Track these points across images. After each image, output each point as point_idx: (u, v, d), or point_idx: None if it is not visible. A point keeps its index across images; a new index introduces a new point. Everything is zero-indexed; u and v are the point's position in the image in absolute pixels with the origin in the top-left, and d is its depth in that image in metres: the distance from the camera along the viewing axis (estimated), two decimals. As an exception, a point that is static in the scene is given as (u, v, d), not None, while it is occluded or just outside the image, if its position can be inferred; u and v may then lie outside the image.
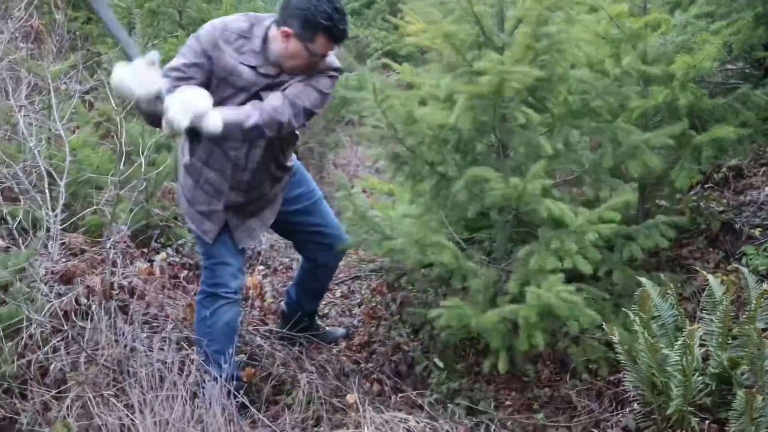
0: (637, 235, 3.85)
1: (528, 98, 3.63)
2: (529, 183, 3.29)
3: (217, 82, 3.24)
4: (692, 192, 5.19)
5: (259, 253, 5.24)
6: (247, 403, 3.37)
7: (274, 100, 3.22)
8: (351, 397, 3.49)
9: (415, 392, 3.67)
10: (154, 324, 3.94)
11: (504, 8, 3.51)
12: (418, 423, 3.28)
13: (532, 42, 3.37)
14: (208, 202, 3.47)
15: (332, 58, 3.36)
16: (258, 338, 4.02)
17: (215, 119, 3.05)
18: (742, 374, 2.92)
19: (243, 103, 3.24)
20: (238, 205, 3.51)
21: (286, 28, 3.15)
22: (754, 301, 2.98)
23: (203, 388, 3.34)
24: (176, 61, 3.20)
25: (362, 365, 3.96)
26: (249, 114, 3.17)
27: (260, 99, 3.25)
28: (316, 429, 3.43)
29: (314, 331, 4.13)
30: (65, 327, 3.59)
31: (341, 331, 4.27)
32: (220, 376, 3.27)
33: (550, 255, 3.37)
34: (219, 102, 3.20)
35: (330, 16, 3.10)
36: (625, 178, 4.71)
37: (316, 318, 4.23)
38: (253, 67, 3.23)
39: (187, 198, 3.53)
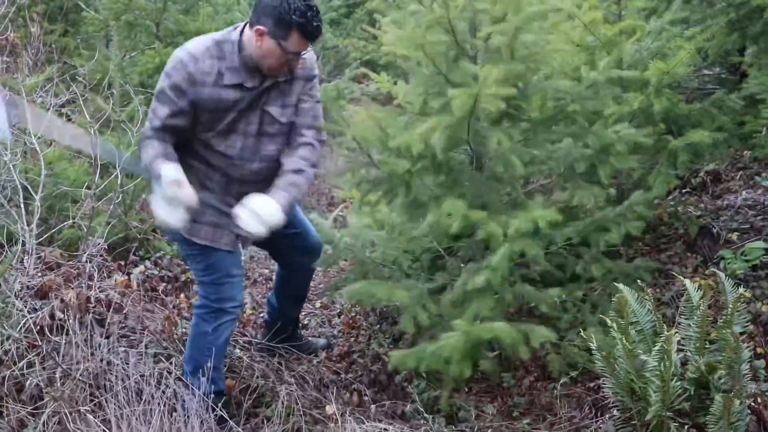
0: (609, 225, 3.84)
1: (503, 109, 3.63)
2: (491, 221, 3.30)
3: (206, 113, 3.22)
4: (670, 197, 5.21)
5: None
6: (226, 417, 3.34)
7: (302, 151, 3.34)
8: (330, 408, 3.47)
9: (394, 402, 3.66)
10: (132, 337, 3.90)
11: (477, 17, 3.49)
12: (399, 433, 3.28)
13: (507, 53, 3.37)
14: (219, 212, 3.29)
15: (310, 66, 3.37)
16: (237, 350, 3.99)
17: (279, 214, 3.18)
18: (720, 378, 2.93)
19: (231, 122, 3.25)
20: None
21: (259, 27, 3.11)
22: (731, 306, 2.99)
23: (183, 401, 3.31)
24: (159, 113, 3.18)
25: (342, 376, 3.94)
26: (299, 184, 3.29)
27: (245, 115, 3.26)
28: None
29: (296, 342, 4.10)
30: (40, 342, 3.55)
31: (322, 341, 4.25)
32: (209, 390, 3.27)
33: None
34: (209, 126, 3.23)
35: (303, 13, 3.07)
36: (603, 185, 4.73)
37: (299, 328, 4.20)
38: (238, 85, 3.21)
39: (191, 217, 3.33)
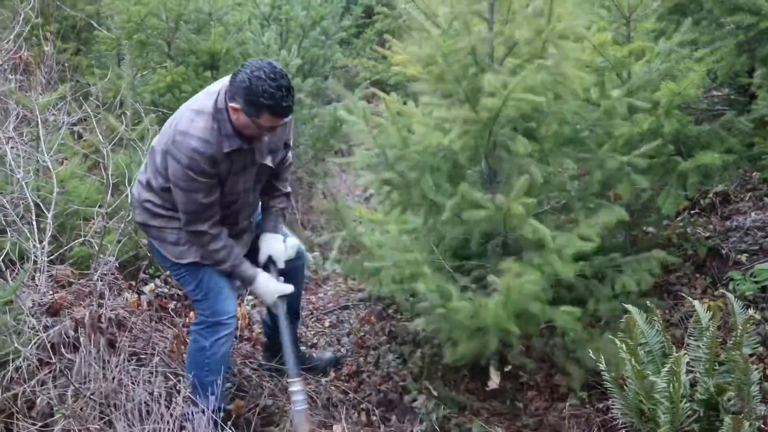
0: (625, 268, 3.86)
1: (519, 128, 3.66)
2: (512, 202, 3.31)
3: (229, 178, 3.41)
4: (679, 218, 5.21)
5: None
6: (234, 435, 3.35)
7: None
8: (338, 428, 3.47)
9: (403, 422, 3.66)
10: (142, 356, 3.91)
11: (493, 38, 3.53)
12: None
13: (532, 71, 3.41)
14: None
15: None
16: (246, 369, 4.00)
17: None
18: (729, 400, 2.92)
19: (234, 182, 3.45)
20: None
21: (234, 104, 3.23)
22: (740, 327, 2.98)
23: (190, 420, 3.32)
24: (200, 200, 3.34)
25: (351, 395, 3.94)
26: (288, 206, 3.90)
27: (244, 172, 3.47)
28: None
29: (304, 360, 4.10)
30: (53, 360, 3.57)
31: (328, 354, 4.24)
32: (209, 407, 3.27)
33: (530, 267, 3.40)
34: (235, 180, 3.42)
35: (272, 95, 3.16)
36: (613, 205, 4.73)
37: (299, 345, 4.20)
38: (237, 149, 3.33)
39: (175, 242, 3.55)
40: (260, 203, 3.83)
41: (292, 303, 4.02)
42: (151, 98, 6.80)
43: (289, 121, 3.53)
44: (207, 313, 3.58)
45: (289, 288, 3.64)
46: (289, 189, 3.86)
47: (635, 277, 3.79)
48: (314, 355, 4.27)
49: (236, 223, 3.63)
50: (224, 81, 3.35)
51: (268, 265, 3.72)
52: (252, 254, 3.75)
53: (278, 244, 3.73)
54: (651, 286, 4.25)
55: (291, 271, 3.86)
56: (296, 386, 3.42)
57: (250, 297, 5.09)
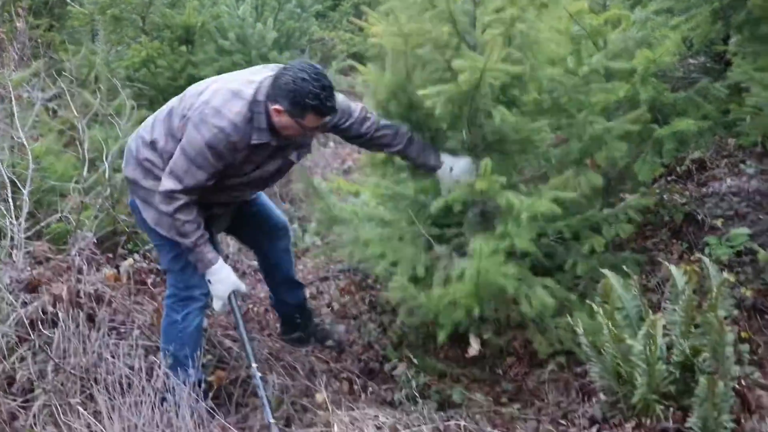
0: (602, 224, 3.89)
1: (500, 96, 3.67)
2: (484, 180, 3.35)
3: (232, 168, 3.37)
4: (656, 185, 5.25)
5: (227, 256, 5.22)
6: (214, 408, 3.36)
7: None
8: (320, 397, 3.49)
9: (385, 390, 3.69)
10: (122, 330, 3.91)
11: (475, 8, 3.53)
12: (388, 419, 3.29)
13: (505, 41, 3.42)
14: None
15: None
16: (227, 341, 4.01)
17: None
18: (704, 361, 2.96)
19: (252, 171, 3.44)
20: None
21: (277, 106, 3.23)
22: (716, 290, 3.02)
23: (171, 393, 3.32)
24: (198, 176, 3.28)
25: (332, 365, 3.96)
26: None
27: (266, 162, 3.45)
28: (286, 429, 3.42)
29: (313, 332, 4.15)
30: (32, 336, 3.57)
31: (341, 328, 4.25)
32: (188, 381, 3.27)
33: (496, 239, 3.45)
34: (230, 175, 3.39)
35: (317, 96, 3.18)
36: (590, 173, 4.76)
37: (311, 316, 4.23)
38: (265, 144, 3.33)
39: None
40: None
41: (287, 273, 4.05)
42: (126, 73, 6.76)
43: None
44: (180, 286, 3.56)
45: (243, 288, 3.54)
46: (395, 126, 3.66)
47: (614, 229, 3.82)
48: (327, 327, 4.28)
49: (229, 203, 3.64)
50: (266, 71, 3.37)
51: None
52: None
53: (457, 164, 3.62)
54: (629, 251, 4.32)
55: (276, 242, 3.90)
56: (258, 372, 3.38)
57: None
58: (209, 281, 3.47)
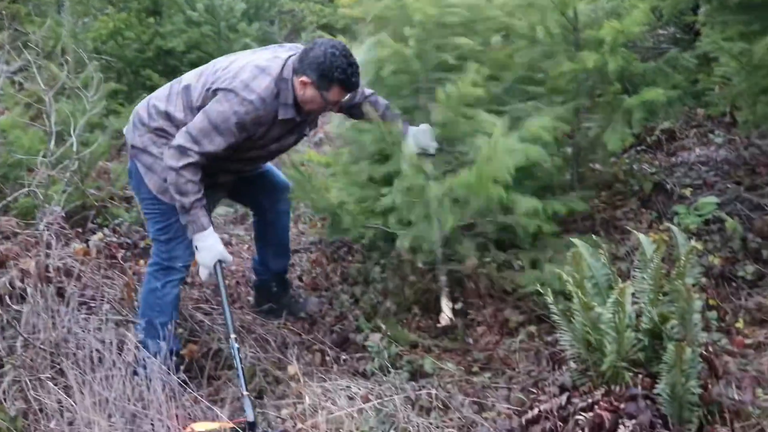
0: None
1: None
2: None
3: (251, 140, 3.48)
4: (625, 155, 5.28)
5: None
6: (187, 381, 3.35)
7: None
8: (292, 369, 3.50)
9: (357, 361, 3.70)
10: (92, 305, 3.89)
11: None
12: (360, 390, 3.31)
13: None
14: None
15: None
16: (198, 314, 4.00)
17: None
18: (672, 328, 2.99)
19: (270, 144, 3.57)
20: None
21: (304, 78, 3.38)
22: (683, 258, 3.04)
23: (143, 365, 3.32)
24: (216, 142, 3.36)
25: (304, 337, 3.97)
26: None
27: (285, 136, 3.59)
28: (258, 401, 3.43)
29: (288, 304, 4.15)
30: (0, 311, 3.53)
31: (314, 300, 4.26)
32: (161, 350, 3.28)
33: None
34: (248, 147, 3.50)
35: (345, 71, 3.35)
36: (561, 143, 4.79)
37: (290, 289, 4.26)
38: (290, 119, 3.48)
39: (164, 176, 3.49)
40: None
41: (282, 236, 4.10)
42: (93, 45, 6.68)
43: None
44: (164, 256, 3.62)
45: (230, 258, 3.59)
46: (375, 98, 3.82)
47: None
48: (301, 300, 4.27)
49: (237, 172, 3.72)
50: (290, 49, 3.54)
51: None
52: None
53: (423, 135, 3.74)
54: (598, 220, 4.35)
55: (277, 203, 3.99)
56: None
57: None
58: (196, 248, 3.48)
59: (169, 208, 3.53)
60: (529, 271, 3.89)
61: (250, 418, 3.12)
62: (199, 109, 3.42)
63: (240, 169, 3.72)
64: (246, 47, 6.31)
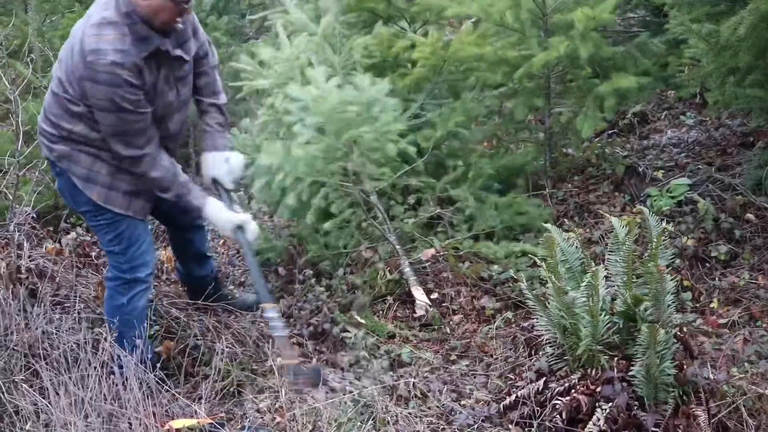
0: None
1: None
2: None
3: (156, 87, 3.25)
4: (597, 139, 5.30)
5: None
6: (164, 378, 3.32)
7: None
8: (270, 362, 3.48)
9: (334, 352, 3.70)
10: (66, 305, 3.85)
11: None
12: (339, 382, 3.30)
13: None
14: (135, 178, 3.37)
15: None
16: (174, 310, 3.97)
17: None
18: (646, 310, 3.00)
19: (157, 83, 3.26)
20: None
21: None
22: (655, 240, 3.06)
23: (119, 364, 3.29)
24: (133, 120, 3.17)
25: (281, 330, 3.95)
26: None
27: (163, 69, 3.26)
28: (238, 398, 3.41)
29: (226, 300, 4.09)
30: (-29, 314, 3.49)
31: (252, 297, 4.20)
32: (137, 358, 3.24)
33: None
34: (162, 89, 3.26)
35: None
36: (533, 129, 4.81)
37: (224, 285, 4.20)
38: (156, 52, 3.17)
39: (105, 184, 3.36)
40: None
41: (199, 248, 3.98)
42: (60, 44, 6.58)
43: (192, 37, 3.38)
44: (124, 268, 3.44)
45: (241, 217, 3.43)
46: (222, 100, 3.62)
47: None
48: (241, 296, 4.24)
49: (170, 141, 3.48)
50: None
51: (217, 189, 3.56)
52: None
53: (220, 164, 3.54)
54: (572, 205, 4.36)
55: (189, 217, 3.76)
56: (271, 312, 3.37)
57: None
58: (212, 223, 3.52)
59: (115, 215, 3.40)
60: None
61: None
62: (79, 100, 3.19)
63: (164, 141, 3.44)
64: (216, 41, 6.26)
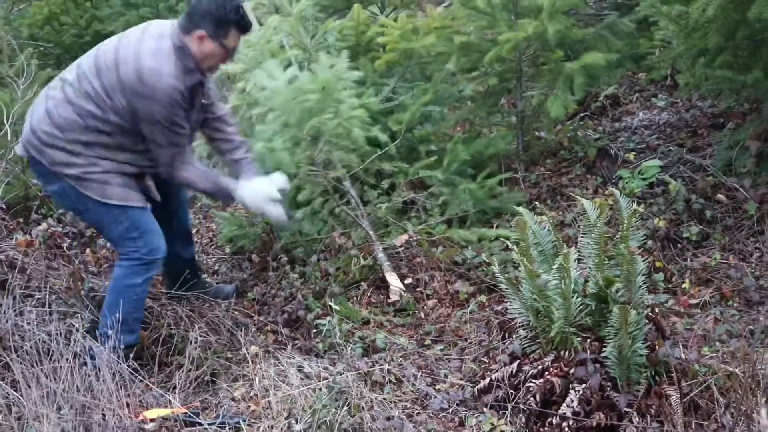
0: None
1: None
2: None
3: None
4: (570, 122, 5.31)
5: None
6: (138, 368, 3.31)
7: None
8: (254, 348, 3.48)
9: (309, 339, 3.69)
10: (37, 296, 3.81)
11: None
12: (313, 368, 3.30)
13: None
14: (124, 171, 3.48)
15: None
16: (147, 300, 3.93)
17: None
18: (617, 291, 3.01)
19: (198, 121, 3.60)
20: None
21: (200, 32, 3.33)
22: (626, 221, 3.07)
23: (91, 355, 3.26)
24: (185, 131, 3.44)
25: (255, 318, 3.94)
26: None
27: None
28: (213, 386, 3.40)
29: (203, 288, 4.07)
30: (-60, 307, 3.45)
31: (230, 287, 4.21)
32: (129, 342, 3.27)
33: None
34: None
35: (237, 10, 3.33)
36: (505, 113, 4.81)
37: (201, 273, 4.17)
38: (199, 84, 3.42)
39: (100, 181, 3.42)
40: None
41: (185, 224, 4.04)
42: (29, 32, 6.54)
43: None
44: (144, 251, 3.52)
45: (276, 185, 3.62)
46: (243, 138, 3.87)
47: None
48: (219, 285, 4.23)
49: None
50: (165, 23, 3.44)
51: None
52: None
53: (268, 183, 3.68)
54: (544, 188, 4.37)
55: (177, 193, 3.91)
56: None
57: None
58: (246, 206, 3.76)
59: (124, 209, 3.47)
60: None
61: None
62: (122, 110, 3.35)
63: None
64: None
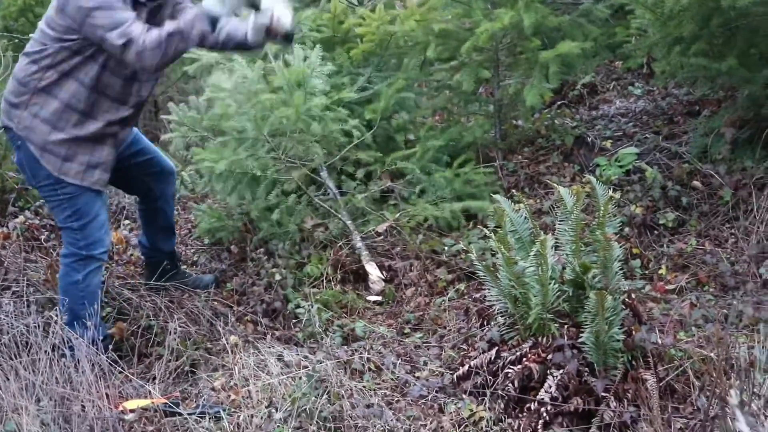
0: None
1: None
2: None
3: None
4: (547, 110, 5.33)
5: (123, 207, 5.12)
6: (117, 359, 3.30)
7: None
8: (234, 338, 3.48)
9: (289, 328, 3.70)
10: (15, 289, 3.80)
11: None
12: (293, 357, 3.30)
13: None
14: (92, 149, 3.35)
15: None
16: (126, 291, 3.93)
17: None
18: (594, 277, 3.04)
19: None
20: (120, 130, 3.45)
21: None
22: (602, 208, 3.09)
23: (70, 347, 3.25)
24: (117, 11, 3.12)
25: (235, 308, 3.93)
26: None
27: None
28: (193, 377, 3.40)
29: (182, 279, 4.07)
30: None
31: (209, 277, 4.20)
32: (90, 338, 3.21)
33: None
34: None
35: None
36: (483, 101, 4.83)
37: (180, 263, 4.17)
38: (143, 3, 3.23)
39: (61, 155, 3.33)
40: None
41: (169, 219, 3.99)
42: (3, 24, 6.48)
43: None
44: (81, 245, 3.42)
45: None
46: None
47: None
48: (197, 276, 4.22)
49: (124, 121, 3.44)
50: None
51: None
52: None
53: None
54: (522, 176, 4.40)
55: (165, 186, 3.84)
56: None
57: (127, 221, 4.99)
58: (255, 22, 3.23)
59: (75, 188, 3.36)
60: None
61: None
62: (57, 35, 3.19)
63: (123, 100, 3.40)
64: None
